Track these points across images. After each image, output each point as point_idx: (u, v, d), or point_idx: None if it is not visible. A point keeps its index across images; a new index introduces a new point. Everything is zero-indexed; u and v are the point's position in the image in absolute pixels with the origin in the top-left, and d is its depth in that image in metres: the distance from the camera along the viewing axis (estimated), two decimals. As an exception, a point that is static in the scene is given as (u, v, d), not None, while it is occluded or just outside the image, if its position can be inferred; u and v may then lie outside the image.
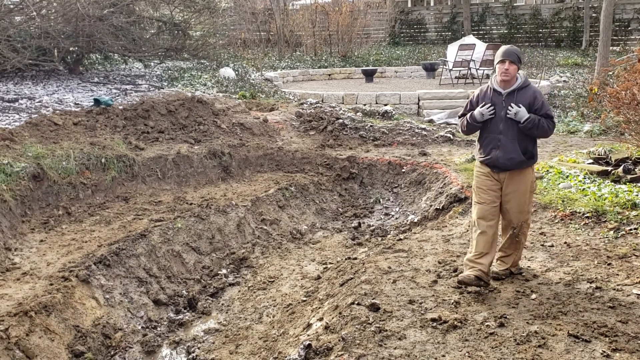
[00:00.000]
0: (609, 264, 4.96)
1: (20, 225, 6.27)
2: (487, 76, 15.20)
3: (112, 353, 4.88)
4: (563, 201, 6.38)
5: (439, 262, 5.26)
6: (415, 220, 7.61)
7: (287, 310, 5.41)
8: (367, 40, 23.94)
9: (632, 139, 7.59)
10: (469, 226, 5.89)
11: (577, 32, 22.23)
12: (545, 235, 5.79)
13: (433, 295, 4.56)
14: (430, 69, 18.00)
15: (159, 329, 5.39)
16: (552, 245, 5.49)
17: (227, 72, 14.99)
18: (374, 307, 4.34)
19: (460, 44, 16.35)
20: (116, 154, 7.93)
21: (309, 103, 11.94)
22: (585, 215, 5.99)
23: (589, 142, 9.84)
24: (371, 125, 10.67)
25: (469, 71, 16.07)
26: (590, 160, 7.97)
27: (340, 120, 10.71)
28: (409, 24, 25.72)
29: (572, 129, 10.96)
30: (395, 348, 3.78)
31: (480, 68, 15.75)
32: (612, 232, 5.60)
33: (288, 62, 19.79)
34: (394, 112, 11.92)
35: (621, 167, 7.18)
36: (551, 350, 3.64)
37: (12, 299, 4.80)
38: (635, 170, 7.12)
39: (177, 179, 8.38)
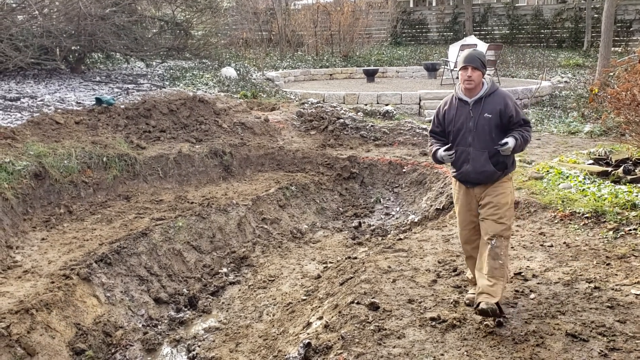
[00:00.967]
0: (607, 264, 4.97)
1: (22, 224, 6.30)
2: (488, 76, 15.17)
3: (112, 351, 4.91)
4: (563, 201, 6.39)
5: (439, 262, 5.28)
6: (416, 220, 7.63)
7: (287, 309, 5.44)
8: (369, 40, 23.95)
9: (632, 139, 7.60)
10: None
11: (578, 33, 22.21)
12: (544, 235, 5.81)
13: (432, 294, 4.58)
14: (432, 69, 18.01)
15: (159, 327, 5.42)
16: (552, 245, 5.51)
17: (229, 71, 15.02)
18: (374, 306, 4.36)
19: (462, 44, 16.34)
20: (118, 152, 7.96)
21: (310, 103, 11.96)
22: (585, 215, 6.01)
23: (589, 142, 9.85)
24: (372, 125, 10.69)
25: (471, 71, 16.02)
26: (591, 161, 7.98)
27: (341, 120, 10.73)
28: (410, 24, 25.72)
29: (572, 129, 10.97)
30: (394, 347, 3.80)
31: (482, 68, 15.72)
32: (611, 232, 5.62)
33: (289, 61, 19.81)
34: (395, 112, 11.93)
35: (621, 168, 7.20)
36: (549, 350, 3.66)
37: (13, 296, 4.83)
38: (636, 171, 7.14)
39: (178, 178, 8.41)
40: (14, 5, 11.07)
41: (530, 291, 4.54)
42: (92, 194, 7.38)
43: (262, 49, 20.96)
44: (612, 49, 15.93)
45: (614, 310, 4.13)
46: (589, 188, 6.70)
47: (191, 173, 8.55)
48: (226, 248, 6.93)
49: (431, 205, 7.73)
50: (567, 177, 7.24)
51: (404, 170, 8.97)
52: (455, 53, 16.03)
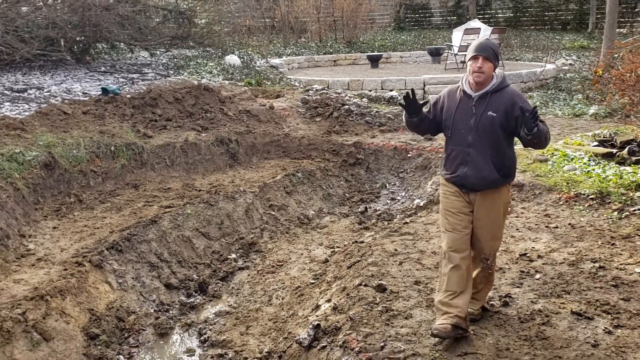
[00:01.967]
0: (612, 244, 5.03)
1: (34, 213, 6.39)
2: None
3: (125, 335, 5.01)
4: (568, 183, 6.44)
5: (445, 244, 5.34)
6: (421, 204, 7.68)
7: (296, 293, 5.52)
8: (372, 25, 23.85)
9: (637, 121, 7.62)
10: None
11: (583, 15, 22.07)
12: (549, 216, 5.86)
13: (438, 276, 4.64)
14: (436, 54, 17.97)
15: (171, 312, 5.52)
16: (557, 227, 5.56)
17: (233, 59, 15.04)
18: (381, 288, 4.43)
19: (466, 29, 16.30)
20: (125, 142, 8.04)
21: (314, 89, 11.99)
22: (590, 196, 6.05)
23: (594, 124, 9.86)
24: (377, 111, 10.71)
25: (475, 55, 15.99)
26: (596, 143, 8.00)
27: (346, 107, 10.76)
28: (413, 9, 25.60)
29: (577, 111, 10.97)
30: (401, 327, 3.88)
31: (486, 52, 15.67)
32: (616, 213, 5.66)
33: (293, 48, 19.79)
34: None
35: (626, 149, 7.22)
36: (555, 328, 3.73)
37: (28, 283, 4.93)
38: (640, 152, 7.17)
39: (185, 166, 8.48)
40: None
41: (536, 271, 4.60)
42: (101, 182, 7.46)
43: (266, 36, 20.93)
44: (617, 30, 15.84)
45: (618, 289, 4.19)
46: (593, 170, 6.74)
47: (198, 161, 8.62)
48: (234, 234, 7.02)
49: (436, 190, 7.77)
50: (572, 159, 7.28)
51: (409, 155, 9.01)
52: (459, 37, 16.01)
